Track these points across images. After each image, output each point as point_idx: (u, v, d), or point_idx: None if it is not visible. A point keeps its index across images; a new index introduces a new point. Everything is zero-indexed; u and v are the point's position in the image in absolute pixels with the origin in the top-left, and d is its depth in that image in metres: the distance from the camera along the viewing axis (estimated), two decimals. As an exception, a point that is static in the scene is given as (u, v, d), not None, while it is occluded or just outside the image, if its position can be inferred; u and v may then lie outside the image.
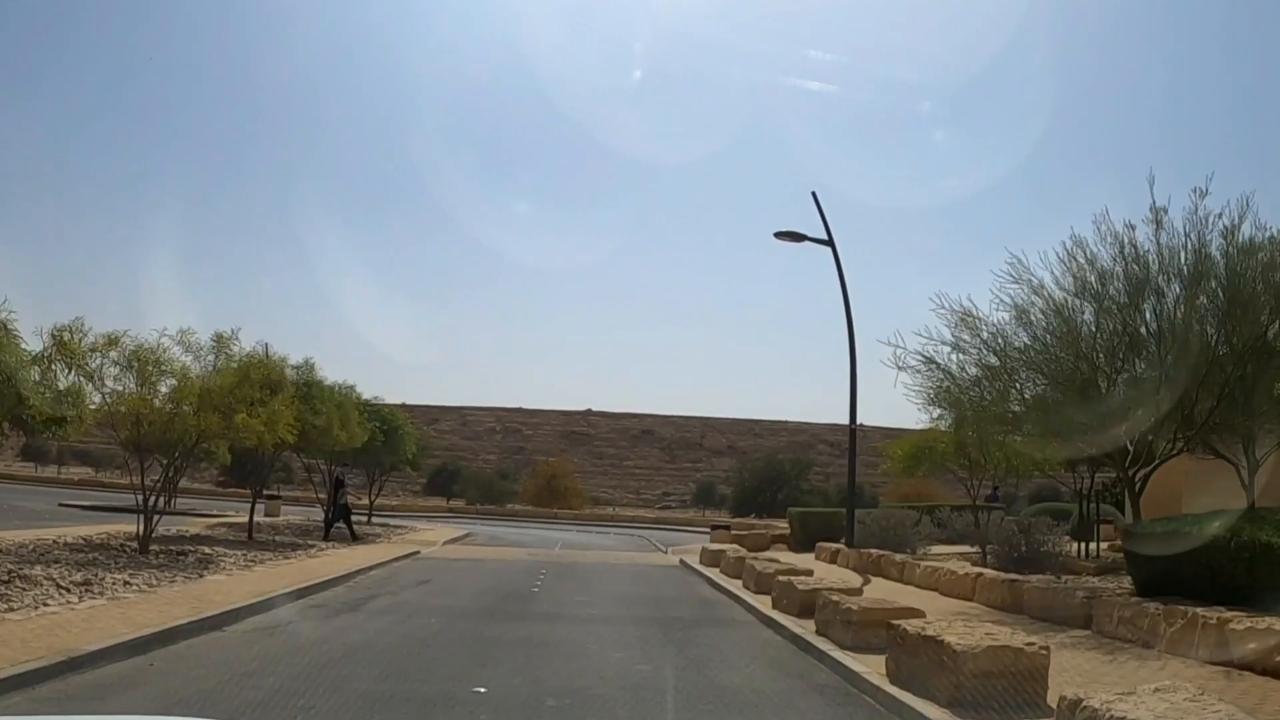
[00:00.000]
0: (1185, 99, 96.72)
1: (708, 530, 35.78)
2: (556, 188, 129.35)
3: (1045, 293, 13.13)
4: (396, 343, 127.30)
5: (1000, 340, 13.27)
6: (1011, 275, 13.21)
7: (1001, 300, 13.27)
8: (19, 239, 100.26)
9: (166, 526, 21.67)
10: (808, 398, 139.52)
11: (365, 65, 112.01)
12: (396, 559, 19.14)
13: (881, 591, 13.31)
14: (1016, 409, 14.20)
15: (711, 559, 19.30)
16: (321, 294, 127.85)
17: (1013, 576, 13.35)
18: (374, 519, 30.24)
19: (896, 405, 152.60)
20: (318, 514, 31.19)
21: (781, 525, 33.09)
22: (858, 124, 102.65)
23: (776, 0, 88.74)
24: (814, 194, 21.44)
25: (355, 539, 22.50)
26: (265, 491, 34.35)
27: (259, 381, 16.22)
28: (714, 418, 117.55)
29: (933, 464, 18.48)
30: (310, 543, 20.77)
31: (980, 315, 13.41)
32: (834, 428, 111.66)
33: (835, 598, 10.05)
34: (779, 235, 21.12)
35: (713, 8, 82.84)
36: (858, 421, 21.83)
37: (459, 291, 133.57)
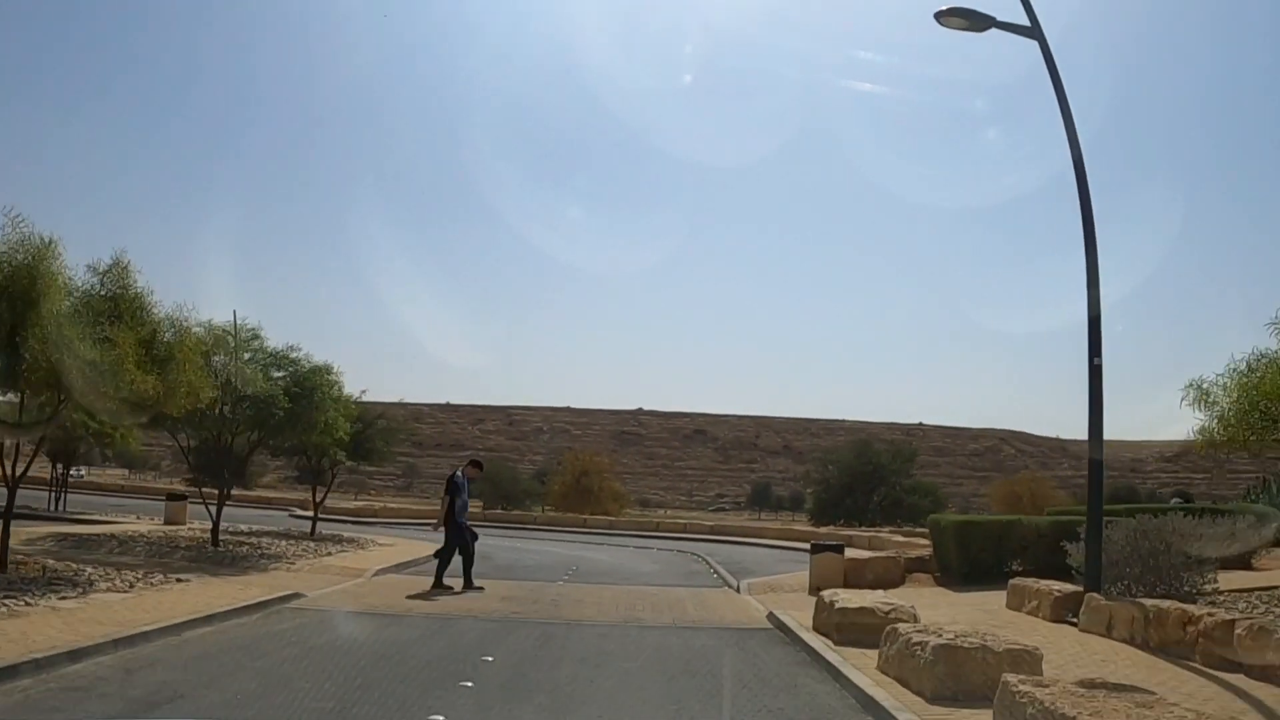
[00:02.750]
0: (1235, 100, 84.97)
1: (785, 545, 25.37)
2: (610, 192, 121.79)
3: None
4: (446, 344, 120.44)
5: None
6: None
7: None
8: (77, 240, 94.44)
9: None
10: (864, 397, 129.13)
11: (420, 72, 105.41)
12: (226, 613, 9.28)
13: None
14: None
15: (846, 628, 8.89)
16: (374, 296, 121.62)
17: None
18: (321, 526, 20.56)
19: (955, 407, 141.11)
20: (260, 521, 21.48)
21: (892, 536, 22.51)
22: (912, 124, 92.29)
23: (825, 2, 79.25)
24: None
25: (438, 584, 12.50)
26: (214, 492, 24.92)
27: None
28: (769, 416, 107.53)
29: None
30: (121, 576, 11.07)
31: None
32: (892, 426, 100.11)
33: None
34: (943, 15, 10.95)
35: (763, 10, 73.59)
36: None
37: (511, 294, 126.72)
